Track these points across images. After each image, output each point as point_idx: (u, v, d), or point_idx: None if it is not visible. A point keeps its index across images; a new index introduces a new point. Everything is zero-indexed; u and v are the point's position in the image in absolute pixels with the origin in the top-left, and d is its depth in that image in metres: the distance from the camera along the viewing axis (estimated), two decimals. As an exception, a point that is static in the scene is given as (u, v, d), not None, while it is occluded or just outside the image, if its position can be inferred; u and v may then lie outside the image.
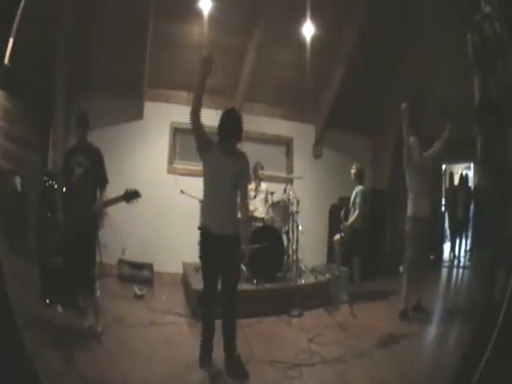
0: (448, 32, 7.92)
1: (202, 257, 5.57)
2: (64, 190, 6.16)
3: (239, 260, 5.63)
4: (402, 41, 8.74)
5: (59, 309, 6.23)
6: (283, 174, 10.15)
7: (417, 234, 7.31)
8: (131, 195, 5.81)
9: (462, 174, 10.60)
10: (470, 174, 10.41)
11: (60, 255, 6.24)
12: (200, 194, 8.18)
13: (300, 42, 8.76)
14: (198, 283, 7.45)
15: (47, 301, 6.18)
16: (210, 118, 9.71)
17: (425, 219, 7.33)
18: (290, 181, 9.35)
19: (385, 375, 5.24)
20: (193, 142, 9.80)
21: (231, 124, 5.54)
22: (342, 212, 8.64)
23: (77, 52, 7.62)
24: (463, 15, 7.12)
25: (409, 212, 7.41)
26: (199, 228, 5.59)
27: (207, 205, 5.65)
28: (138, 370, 5.10)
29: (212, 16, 8.16)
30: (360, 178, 8.59)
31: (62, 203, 6.04)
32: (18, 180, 6.13)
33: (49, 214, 6.32)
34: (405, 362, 5.60)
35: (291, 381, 5.18)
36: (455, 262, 10.43)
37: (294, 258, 8.48)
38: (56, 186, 6.35)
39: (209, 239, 5.41)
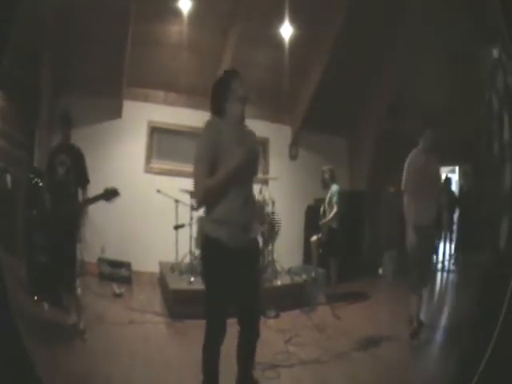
0: (433, 33, 7.97)
1: (213, 280, 4.30)
2: (48, 188, 6.21)
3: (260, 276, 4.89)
4: (382, 41, 8.78)
5: (46, 306, 6.21)
6: (258, 175, 10.16)
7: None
8: (110, 193, 5.83)
9: (446, 176, 10.64)
10: (454, 177, 10.49)
11: (44, 253, 6.25)
12: (176, 194, 8.24)
13: (277, 42, 8.77)
14: (174, 283, 7.52)
15: (35, 298, 6.16)
16: (188, 117, 9.77)
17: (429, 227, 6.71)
18: (265, 181, 9.33)
19: (364, 377, 5.25)
20: (170, 141, 9.83)
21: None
22: (322, 209, 8.63)
23: (60, 51, 7.57)
24: (450, 16, 7.19)
25: (411, 220, 6.59)
26: (209, 241, 4.29)
27: (227, 209, 4.21)
28: (120, 369, 5.07)
29: (190, 15, 8.11)
30: (334, 178, 8.61)
31: (45, 201, 6.10)
32: (8, 178, 6.11)
33: (34, 212, 6.31)
34: (385, 364, 5.61)
35: (269, 381, 5.14)
36: (439, 266, 10.47)
37: (270, 258, 8.47)
38: (41, 185, 6.36)
39: (226, 255, 4.15)
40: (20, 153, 6.95)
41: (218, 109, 4.36)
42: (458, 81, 7.48)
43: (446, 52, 7.78)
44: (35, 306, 6.18)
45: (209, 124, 4.33)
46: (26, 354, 3.02)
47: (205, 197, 4.13)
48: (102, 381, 4.86)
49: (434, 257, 7.93)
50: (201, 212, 8.28)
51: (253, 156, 4.31)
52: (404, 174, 6.71)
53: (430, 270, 7.44)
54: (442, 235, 9.68)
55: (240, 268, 4.17)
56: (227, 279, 4.13)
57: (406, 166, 6.72)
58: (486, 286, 3.92)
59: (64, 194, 6.14)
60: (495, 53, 4.58)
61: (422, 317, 6.66)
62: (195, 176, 4.17)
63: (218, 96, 4.37)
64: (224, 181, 4.05)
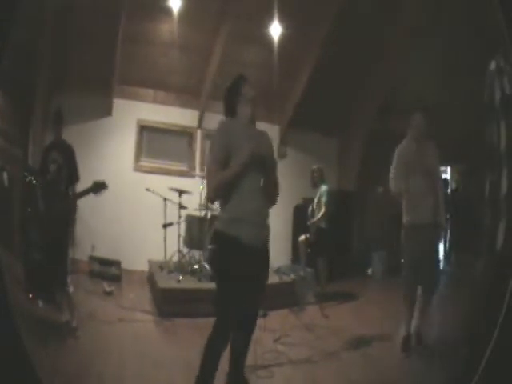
0: (428, 33, 8.01)
1: (227, 279, 4.22)
2: (41, 185, 6.24)
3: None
4: (373, 41, 8.82)
5: (40, 304, 6.21)
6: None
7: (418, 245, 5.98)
8: (99, 186, 5.85)
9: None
10: (446, 177, 10.52)
11: (38, 250, 6.26)
12: (165, 192, 8.27)
13: (267, 40, 8.80)
14: (163, 281, 7.53)
15: (30, 295, 6.16)
16: (177, 115, 9.78)
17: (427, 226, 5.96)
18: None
19: (355, 377, 5.25)
20: (159, 139, 9.82)
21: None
22: (310, 208, 8.63)
23: (54, 50, 7.61)
24: (438, 16, 7.21)
25: (405, 219, 6.07)
26: (226, 239, 4.22)
27: (244, 207, 4.23)
28: (112, 367, 5.06)
29: (180, 14, 8.14)
30: (323, 178, 8.62)
31: (38, 199, 6.12)
32: (5, 175, 6.14)
33: (29, 210, 6.33)
34: (376, 364, 5.62)
35: (260, 381, 5.12)
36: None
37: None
38: (34, 182, 6.38)
39: (244, 254, 4.14)
40: (16, 150, 6.97)
41: (229, 111, 4.51)
42: (453, 81, 7.44)
43: (440, 52, 7.80)
44: (31, 303, 6.18)
45: (221, 124, 4.42)
46: (26, 354, 3.02)
47: (215, 192, 4.24)
48: (94, 378, 4.86)
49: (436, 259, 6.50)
50: (190, 210, 8.46)
51: (264, 152, 4.29)
52: (392, 166, 6.09)
53: (433, 276, 6.21)
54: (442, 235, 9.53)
55: (254, 267, 4.18)
56: (243, 278, 4.09)
57: (394, 157, 6.10)
58: (484, 287, 3.93)
59: (56, 192, 6.17)
60: (495, 56, 4.57)
61: (416, 322, 6.19)
62: (207, 175, 4.31)
63: (229, 100, 4.51)
64: (234, 175, 4.11)
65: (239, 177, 4.12)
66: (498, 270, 3.63)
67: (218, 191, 4.20)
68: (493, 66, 4.60)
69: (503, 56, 3.88)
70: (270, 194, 4.39)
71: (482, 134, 5.01)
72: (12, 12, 2.94)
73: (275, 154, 4.50)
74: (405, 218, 6.05)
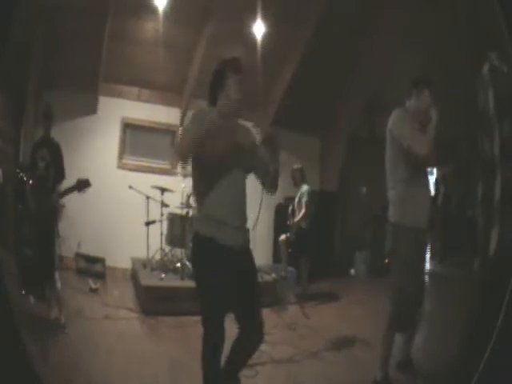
0: (408, 31, 8.05)
1: (213, 283, 3.82)
2: (30, 182, 6.28)
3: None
4: (358, 41, 8.88)
5: (32, 300, 6.23)
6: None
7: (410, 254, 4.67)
8: (82, 184, 5.90)
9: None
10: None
11: (29, 247, 6.29)
12: (148, 190, 8.31)
13: (250, 40, 8.82)
14: (146, 279, 7.58)
15: (23, 292, 6.18)
16: (161, 113, 9.81)
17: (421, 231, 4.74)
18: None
19: (338, 377, 5.28)
20: (142, 137, 9.80)
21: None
22: (291, 208, 8.70)
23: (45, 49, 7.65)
24: (424, 16, 7.25)
25: (393, 219, 4.77)
26: (202, 240, 3.91)
27: (222, 207, 3.87)
28: (99, 365, 5.09)
29: (165, 12, 8.16)
30: (304, 178, 8.69)
31: (27, 195, 6.17)
32: (0, 173, 6.17)
33: (20, 206, 6.35)
34: (359, 364, 5.65)
35: (246, 380, 5.13)
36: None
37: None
38: (25, 179, 6.41)
39: (224, 255, 3.82)
40: (10, 148, 6.99)
41: (210, 97, 4.08)
42: (445, 81, 7.36)
43: (432, 52, 7.82)
44: (23, 299, 6.18)
45: (197, 112, 3.98)
46: (26, 353, 3.04)
47: (188, 148, 3.76)
48: (84, 376, 4.88)
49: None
50: (172, 208, 8.49)
51: (242, 139, 3.88)
52: (395, 131, 4.63)
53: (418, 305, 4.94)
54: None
55: (235, 269, 3.83)
56: (223, 280, 3.77)
57: (391, 125, 4.68)
58: (481, 288, 3.93)
59: (44, 189, 6.23)
60: (491, 57, 4.47)
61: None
62: (181, 134, 4.02)
63: (211, 84, 4.08)
64: (211, 133, 3.62)
65: (215, 139, 3.63)
66: (495, 270, 3.65)
67: (191, 147, 3.74)
68: (486, 68, 4.50)
69: (500, 55, 3.85)
70: (265, 184, 4.16)
71: (474, 137, 4.98)
72: (12, 12, 2.97)
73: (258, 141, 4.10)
74: (396, 217, 4.71)
